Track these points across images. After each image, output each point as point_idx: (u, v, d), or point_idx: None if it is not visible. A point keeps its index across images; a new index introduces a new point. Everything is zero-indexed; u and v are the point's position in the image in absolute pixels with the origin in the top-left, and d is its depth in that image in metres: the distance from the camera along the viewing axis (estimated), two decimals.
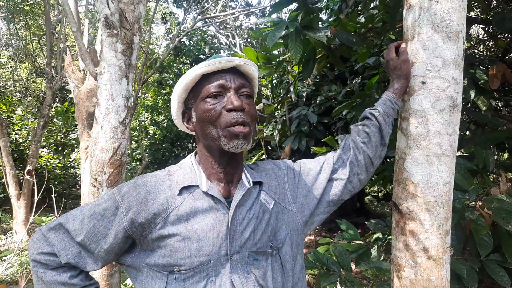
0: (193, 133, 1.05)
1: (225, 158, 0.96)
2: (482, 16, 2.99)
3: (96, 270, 0.95)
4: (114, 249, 0.92)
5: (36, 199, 2.87)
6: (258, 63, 2.75)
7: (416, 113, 1.17)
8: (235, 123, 0.90)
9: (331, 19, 3.19)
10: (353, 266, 2.05)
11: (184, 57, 8.83)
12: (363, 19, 2.70)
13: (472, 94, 1.93)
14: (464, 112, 2.45)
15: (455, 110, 1.16)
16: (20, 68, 9.65)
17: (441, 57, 1.13)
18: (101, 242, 0.91)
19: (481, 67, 2.20)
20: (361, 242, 2.22)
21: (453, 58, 1.13)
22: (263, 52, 2.77)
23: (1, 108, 7.98)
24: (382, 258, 2.22)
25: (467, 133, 2.88)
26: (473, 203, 1.73)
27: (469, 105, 2.46)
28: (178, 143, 9.13)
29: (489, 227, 1.63)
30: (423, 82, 1.15)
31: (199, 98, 0.95)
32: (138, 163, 8.80)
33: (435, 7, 1.13)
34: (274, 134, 5.48)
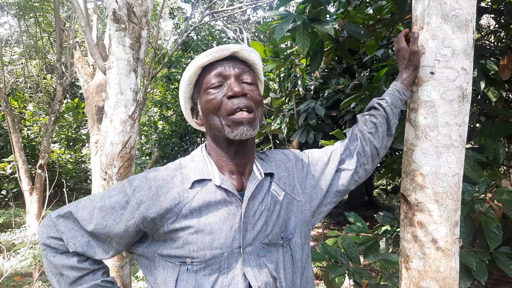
0: (203, 128, 1.04)
1: (233, 148, 0.95)
2: (493, 6, 2.93)
3: (106, 259, 0.95)
4: (124, 241, 0.92)
5: (48, 194, 2.92)
6: (266, 57, 2.74)
7: (425, 103, 1.16)
8: (236, 109, 0.89)
9: (339, 12, 3.16)
10: (361, 259, 2.06)
11: (192, 52, 8.82)
12: (371, 11, 2.67)
13: (482, 85, 1.91)
14: (474, 104, 2.42)
15: (464, 100, 1.14)
16: (31, 65, 9.77)
17: (450, 46, 1.12)
18: (110, 234, 0.90)
19: (492, 58, 2.16)
20: (369, 235, 2.22)
21: (463, 47, 1.12)
22: (270, 46, 2.76)
23: (13, 104, 8.10)
24: (390, 250, 2.22)
25: (477, 125, 2.84)
26: (482, 195, 1.71)
27: (479, 96, 2.43)
28: (187, 137, 9.18)
29: (499, 220, 1.61)
30: (432, 73, 1.14)
31: (202, 90, 0.95)
32: (147, 157, 8.88)
33: None
34: (282, 127, 5.47)
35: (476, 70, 1.91)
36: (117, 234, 0.90)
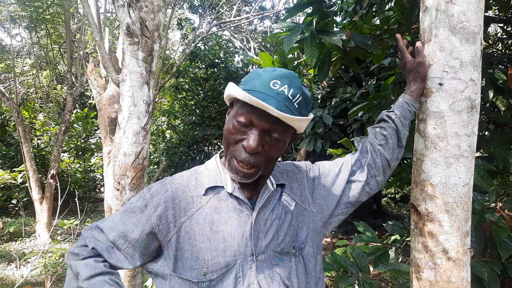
0: None
1: None
2: (500, 15, 2.94)
3: (120, 268, 0.97)
4: (140, 245, 0.94)
5: (59, 203, 2.96)
6: (274, 67, 2.77)
7: (434, 114, 1.17)
8: (241, 161, 0.89)
9: (345, 21, 3.19)
10: (371, 268, 2.05)
11: (199, 61, 8.91)
12: (378, 21, 2.69)
13: (491, 94, 1.91)
14: (483, 112, 2.41)
15: (473, 111, 1.16)
16: (42, 75, 9.94)
17: (458, 58, 1.13)
18: (128, 237, 0.94)
19: (500, 66, 2.17)
20: (378, 244, 2.21)
21: (471, 59, 1.13)
22: (277, 57, 2.79)
23: (24, 114, 8.23)
24: (400, 260, 2.21)
25: (486, 133, 2.83)
26: (493, 204, 1.71)
27: (487, 105, 2.43)
28: (195, 146, 9.22)
29: (510, 229, 1.60)
30: (440, 84, 1.16)
31: (233, 112, 0.93)
32: (155, 166, 8.93)
33: (452, 9, 1.13)
34: None
35: (484, 79, 1.91)
36: (134, 238, 0.93)
